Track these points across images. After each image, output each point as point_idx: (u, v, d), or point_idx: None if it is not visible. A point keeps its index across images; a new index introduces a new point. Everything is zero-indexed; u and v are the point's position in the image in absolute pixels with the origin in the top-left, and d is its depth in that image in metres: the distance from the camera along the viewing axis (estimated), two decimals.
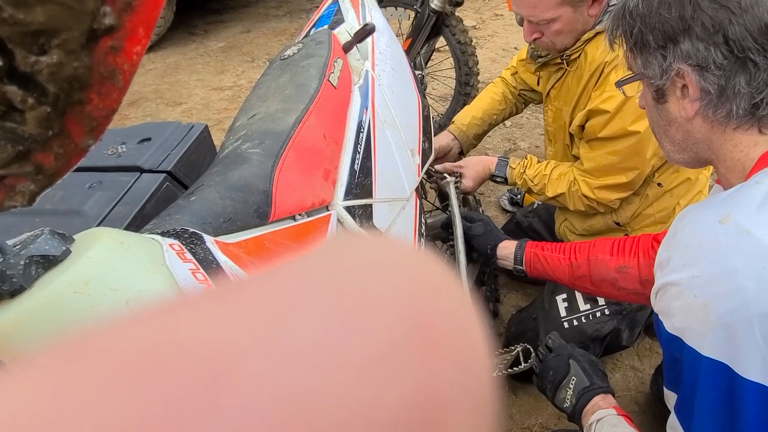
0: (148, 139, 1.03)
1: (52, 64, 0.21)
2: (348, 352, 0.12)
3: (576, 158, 1.44)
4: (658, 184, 1.39)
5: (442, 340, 0.14)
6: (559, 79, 1.40)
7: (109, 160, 0.98)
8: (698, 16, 0.63)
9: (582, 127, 1.34)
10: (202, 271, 0.50)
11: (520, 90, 1.68)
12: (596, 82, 1.27)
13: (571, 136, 1.42)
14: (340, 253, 0.16)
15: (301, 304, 0.13)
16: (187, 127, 1.06)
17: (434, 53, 2.62)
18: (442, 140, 1.63)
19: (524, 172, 1.46)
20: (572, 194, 1.39)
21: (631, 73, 0.81)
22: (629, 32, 0.72)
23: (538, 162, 1.48)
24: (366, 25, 1.08)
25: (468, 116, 1.65)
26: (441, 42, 2.41)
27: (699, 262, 0.62)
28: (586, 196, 1.37)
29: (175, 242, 0.54)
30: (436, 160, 1.50)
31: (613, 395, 1.04)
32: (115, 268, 0.47)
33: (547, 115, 1.52)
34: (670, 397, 0.74)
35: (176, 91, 3.40)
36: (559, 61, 1.35)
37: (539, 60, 1.42)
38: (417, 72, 2.29)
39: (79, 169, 1.00)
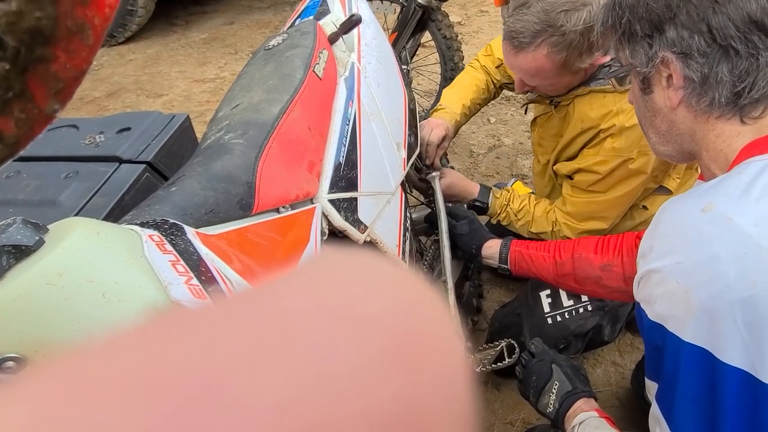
0: (128, 129, 1.00)
1: (11, 13, 0.19)
2: (330, 364, 0.13)
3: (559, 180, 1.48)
4: (643, 207, 1.44)
5: (422, 354, 0.15)
6: (545, 113, 1.42)
7: (86, 150, 0.96)
8: (683, 5, 0.65)
9: (569, 175, 1.39)
10: (182, 263, 0.49)
11: (503, 83, 1.67)
12: (589, 141, 1.30)
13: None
14: (328, 269, 0.17)
15: (289, 320, 0.14)
16: (168, 117, 1.04)
17: (420, 48, 2.61)
18: (440, 131, 1.51)
19: (508, 204, 1.49)
20: (554, 233, 1.44)
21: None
22: (618, 22, 0.73)
23: (520, 195, 1.50)
24: (352, 16, 1.06)
25: (458, 104, 1.59)
26: (427, 37, 2.40)
27: (681, 249, 0.62)
28: (567, 237, 1.42)
29: (155, 233, 0.52)
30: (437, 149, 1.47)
31: (596, 399, 1.04)
32: (91, 259, 0.45)
33: (534, 134, 1.53)
34: (651, 387, 0.74)
35: (157, 82, 3.34)
36: (547, 101, 1.38)
37: (528, 94, 1.43)
38: (402, 66, 2.27)
39: (55, 159, 0.97)
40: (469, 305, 1.68)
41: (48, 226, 0.48)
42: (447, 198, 1.47)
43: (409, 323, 0.15)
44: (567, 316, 1.45)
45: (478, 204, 1.51)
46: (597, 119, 1.25)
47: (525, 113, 1.65)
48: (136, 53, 3.69)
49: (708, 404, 0.62)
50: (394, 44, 2.22)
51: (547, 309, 1.47)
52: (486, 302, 1.83)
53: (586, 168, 1.30)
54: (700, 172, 1.43)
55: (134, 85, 3.32)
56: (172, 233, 0.53)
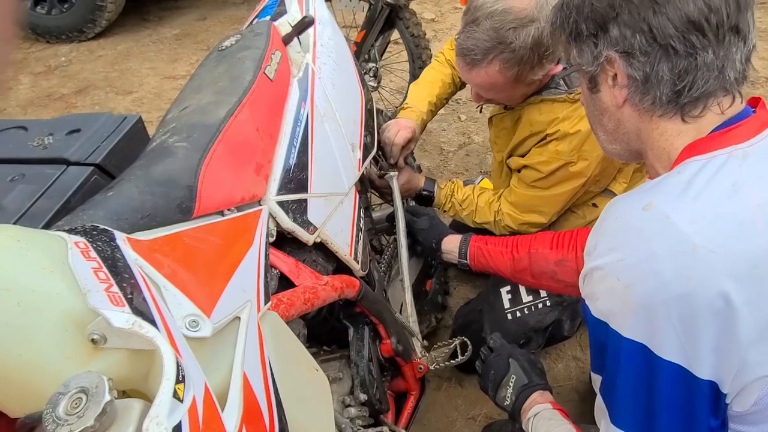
0: (78, 131, 0.99)
1: None
2: None
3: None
4: (593, 204, 1.49)
5: None
6: (499, 113, 1.47)
7: (34, 152, 0.95)
8: (625, 5, 0.67)
9: (517, 168, 1.45)
10: (105, 269, 0.49)
11: None
12: (538, 143, 1.35)
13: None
14: None
15: None
16: (120, 119, 1.03)
17: (391, 46, 2.62)
18: (407, 133, 1.47)
19: (452, 195, 1.52)
20: (497, 223, 1.49)
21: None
22: (566, 22, 0.75)
23: (465, 185, 1.54)
24: (304, 17, 1.06)
25: (425, 102, 1.59)
26: (397, 34, 2.40)
27: (622, 246, 0.64)
28: (509, 227, 1.47)
29: (81, 240, 0.52)
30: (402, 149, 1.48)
31: (551, 392, 1.07)
32: (6, 267, 0.45)
33: (490, 132, 1.57)
34: (596, 380, 0.76)
35: (127, 79, 3.29)
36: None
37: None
38: (371, 64, 2.28)
39: (1, 161, 0.96)
40: (434, 302, 1.70)
41: None
42: (404, 193, 1.49)
43: None
44: (526, 312, 1.47)
45: (425, 193, 1.54)
46: (545, 124, 1.29)
47: (480, 112, 1.69)
48: (106, 49, 3.63)
49: (645, 397, 0.64)
50: (362, 42, 2.22)
51: (507, 305, 1.49)
52: (452, 299, 1.85)
53: (531, 165, 1.35)
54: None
55: (103, 81, 3.27)
56: (100, 239, 0.54)
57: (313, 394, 0.72)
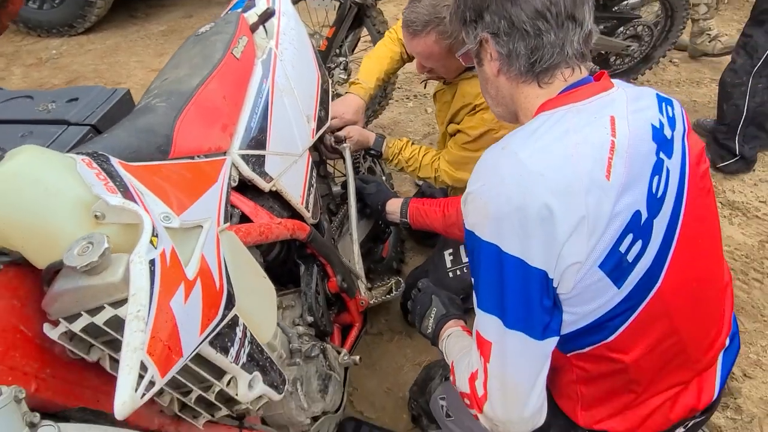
0: (76, 99, 1.19)
1: None
2: None
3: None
4: None
5: None
6: (440, 89, 1.73)
7: (39, 115, 1.14)
8: None
9: (453, 133, 1.71)
10: (103, 175, 0.70)
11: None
12: (470, 111, 1.60)
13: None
14: None
15: None
16: (111, 90, 1.23)
17: (365, 42, 2.83)
18: (354, 107, 1.71)
19: (399, 152, 1.77)
20: (436, 179, 1.75)
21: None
22: (458, 10, 0.97)
23: (413, 144, 1.79)
24: (267, 9, 1.28)
25: (373, 78, 1.79)
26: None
27: (484, 176, 0.86)
28: (445, 182, 1.74)
29: (86, 157, 0.73)
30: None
31: (465, 321, 1.28)
32: (36, 167, 0.65)
33: (435, 106, 1.83)
34: (472, 281, 0.97)
35: (115, 71, 3.48)
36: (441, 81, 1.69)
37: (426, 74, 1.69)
38: (341, 58, 2.49)
39: (12, 122, 1.17)
40: (389, 267, 1.92)
41: (7, 152, 0.68)
42: (357, 148, 1.73)
43: None
44: (465, 270, 1.70)
45: (372, 152, 1.78)
46: (474, 96, 1.54)
47: (425, 87, 1.92)
48: (96, 43, 3.81)
49: (497, 283, 0.84)
50: (333, 38, 2.43)
51: (449, 264, 1.72)
52: (406, 267, 2.07)
53: (462, 129, 1.61)
54: None
55: (93, 73, 3.45)
56: (99, 159, 0.74)
57: (258, 291, 0.93)
